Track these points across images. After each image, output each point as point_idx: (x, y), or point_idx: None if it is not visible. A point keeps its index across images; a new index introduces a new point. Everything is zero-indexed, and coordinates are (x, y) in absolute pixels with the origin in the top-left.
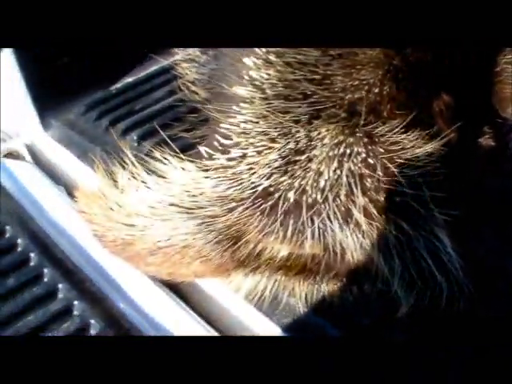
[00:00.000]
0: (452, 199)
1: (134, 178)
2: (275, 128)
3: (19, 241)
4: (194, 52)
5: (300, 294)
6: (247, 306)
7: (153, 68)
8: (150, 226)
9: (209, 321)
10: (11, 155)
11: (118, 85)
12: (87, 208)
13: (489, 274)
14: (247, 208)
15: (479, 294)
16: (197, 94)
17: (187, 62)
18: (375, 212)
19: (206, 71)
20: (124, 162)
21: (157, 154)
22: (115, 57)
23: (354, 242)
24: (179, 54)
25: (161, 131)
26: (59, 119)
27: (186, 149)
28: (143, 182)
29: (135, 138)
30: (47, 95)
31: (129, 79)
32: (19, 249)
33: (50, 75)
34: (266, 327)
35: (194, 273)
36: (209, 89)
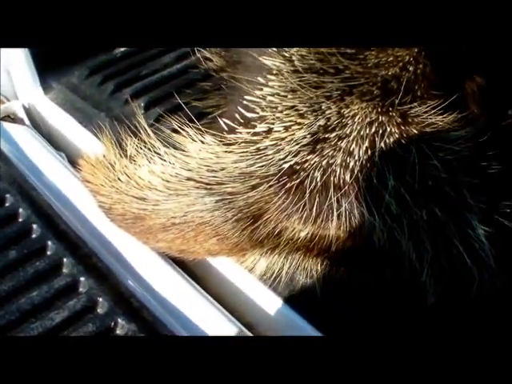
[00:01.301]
0: (487, 186)
1: (146, 148)
2: (305, 103)
3: (20, 210)
4: None
5: (318, 276)
6: (261, 286)
7: None
8: (164, 201)
9: (219, 300)
10: (9, 118)
11: (122, 48)
12: (92, 178)
13: None
14: (271, 186)
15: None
16: (211, 60)
17: None
18: (407, 196)
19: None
20: (135, 129)
21: (173, 124)
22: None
23: (382, 226)
24: None
25: (177, 98)
26: (61, 82)
27: (199, 119)
28: (157, 152)
29: (143, 104)
30: (48, 55)
31: None
32: (20, 219)
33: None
34: (280, 308)
35: (207, 251)
36: (226, 56)
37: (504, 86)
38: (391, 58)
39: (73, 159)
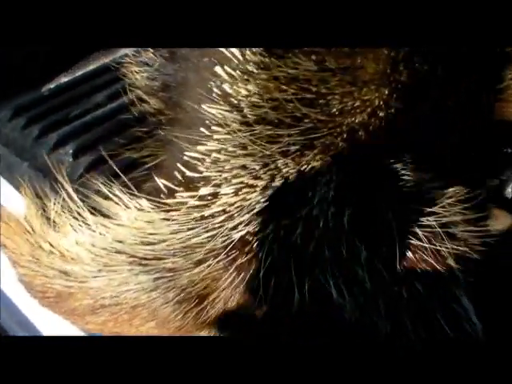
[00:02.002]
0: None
1: (71, 212)
2: (257, 160)
3: None
4: (145, 52)
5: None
6: None
7: (92, 66)
8: (92, 278)
9: None
10: None
11: (51, 85)
12: (11, 243)
13: None
14: (220, 261)
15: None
16: (148, 103)
17: (137, 64)
18: (383, 270)
19: (160, 77)
20: (59, 187)
21: (103, 187)
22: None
23: (353, 306)
24: (126, 53)
25: (109, 146)
26: None
27: (132, 171)
28: (83, 219)
29: (71, 151)
30: None
31: (64, 79)
32: None
33: None
34: None
35: (146, 333)
36: (164, 97)
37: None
38: (358, 103)
39: None
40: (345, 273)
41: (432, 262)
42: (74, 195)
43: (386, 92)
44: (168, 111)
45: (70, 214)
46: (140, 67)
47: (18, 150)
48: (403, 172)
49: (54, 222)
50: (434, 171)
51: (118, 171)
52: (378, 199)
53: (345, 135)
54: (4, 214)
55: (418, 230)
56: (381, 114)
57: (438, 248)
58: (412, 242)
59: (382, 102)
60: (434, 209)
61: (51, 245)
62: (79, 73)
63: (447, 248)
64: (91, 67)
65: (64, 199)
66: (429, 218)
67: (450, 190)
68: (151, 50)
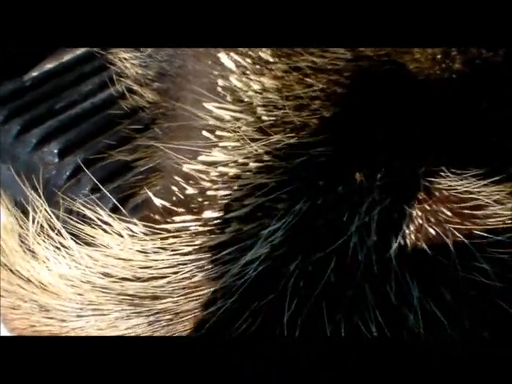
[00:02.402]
0: None
1: (49, 238)
2: (276, 177)
3: None
4: None
5: None
6: None
7: (80, 51)
8: (75, 317)
9: None
10: None
11: (35, 73)
12: None
13: None
14: (233, 303)
15: None
16: (141, 96)
17: (128, 51)
18: (437, 311)
19: (155, 66)
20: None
21: (88, 211)
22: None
23: None
24: None
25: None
26: None
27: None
28: (63, 246)
29: (55, 151)
30: None
31: (48, 65)
32: None
33: None
34: None
35: None
36: (160, 90)
37: None
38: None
39: None
40: (392, 319)
41: (506, 307)
42: (55, 220)
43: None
44: (166, 104)
45: (49, 241)
46: (130, 53)
47: None
48: (466, 189)
49: (31, 248)
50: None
51: (106, 191)
52: (433, 224)
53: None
54: None
55: (485, 266)
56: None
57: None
58: (477, 279)
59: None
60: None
61: (29, 272)
62: (66, 58)
63: None
64: (79, 52)
65: (40, 223)
66: (499, 250)
67: None
68: None
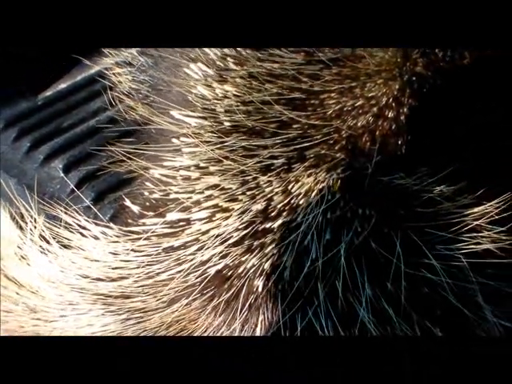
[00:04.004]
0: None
1: (38, 245)
2: (233, 179)
3: None
4: (129, 52)
5: None
6: None
7: (88, 72)
8: (58, 317)
9: None
10: None
11: (48, 92)
12: None
13: None
14: (194, 300)
15: None
16: (134, 109)
17: (121, 65)
18: (390, 310)
19: (146, 79)
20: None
21: (68, 217)
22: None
23: None
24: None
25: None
26: None
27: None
28: (48, 250)
29: (60, 167)
30: None
31: (62, 85)
32: None
33: None
34: None
35: None
36: (150, 104)
37: None
38: (360, 102)
39: None
40: (343, 314)
41: (453, 301)
42: (43, 226)
43: (397, 87)
44: (157, 118)
45: (37, 246)
46: (122, 68)
47: (6, 164)
48: (416, 188)
49: (24, 253)
50: (457, 186)
51: (88, 202)
52: (383, 222)
53: (343, 143)
54: None
55: (434, 262)
56: (390, 115)
57: (462, 284)
58: (426, 276)
59: (391, 100)
60: (457, 234)
61: (22, 278)
62: (79, 78)
63: (474, 284)
64: (92, 71)
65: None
66: (449, 246)
67: (478, 209)
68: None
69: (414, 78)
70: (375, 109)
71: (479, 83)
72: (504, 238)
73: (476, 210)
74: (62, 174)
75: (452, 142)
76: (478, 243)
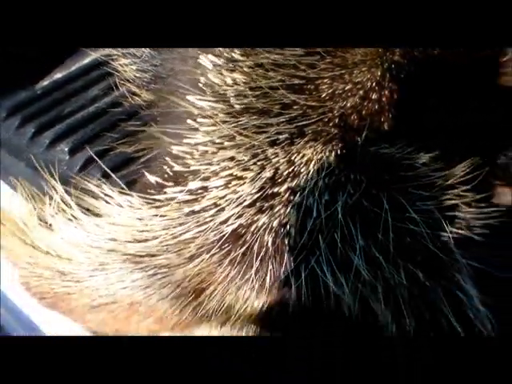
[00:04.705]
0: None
1: (63, 213)
2: (245, 152)
3: None
4: None
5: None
6: None
7: (85, 61)
8: (88, 277)
9: None
10: None
11: (45, 82)
12: (7, 243)
13: None
14: (213, 255)
15: None
16: (138, 96)
17: (125, 56)
18: (381, 257)
19: (149, 68)
20: (51, 188)
21: (95, 188)
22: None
23: (351, 295)
24: None
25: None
26: None
27: (127, 167)
28: (76, 220)
29: (66, 149)
30: None
31: (58, 75)
32: None
33: None
34: None
35: (146, 331)
36: (155, 90)
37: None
38: (349, 86)
39: None
40: (341, 262)
41: (431, 247)
42: (67, 196)
43: (379, 73)
44: (160, 103)
45: (63, 215)
46: (128, 59)
47: (13, 149)
48: (398, 156)
49: (48, 222)
50: (432, 153)
51: (109, 171)
52: (372, 185)
53: (336, 120)
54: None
55: (415, 216)
56: (373, 97)
57: (438, 233)
58: (409, 227)
59: (374, 84)
60: (432, 192)
61: (47, 245)
62: (73, 68)
63: (447, 232)
64: (85, 62)
65: (57, 201)
66: (427, 203)
67: (448, 172)
68: None
69: (392, 66)
70: (361, 92)
71: (447, 68)
72: (469, 194)
73: (447, 172)
74: (68, 157)
75: (425, 118)
76: (449, 199)
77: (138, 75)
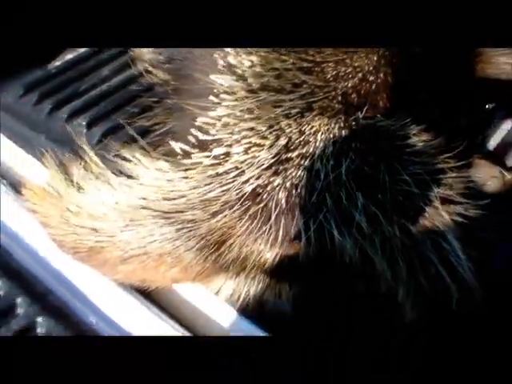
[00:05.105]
0: (461, 197)
1: (95, 175)
2: (263, 123)
3: None
4: None
5: (287, 295)
6: (227, 309)
7: None
8: (120, 232)
9: (187, 327)
10: None
11: (58, 62)
12: (40, 208)
13: (500, 278)
14: (234, 211)
15: (490, 298)
16: (155, 75)
17: None
18: (378, 213)
19: (165, 51)
20: (81, 154)
21: (123, 151)
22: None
23: (353, 246)
24: None
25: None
26: None
27: (144, 137)
28: (107, 180)
29: (84, 123)
30: None
31: (69, 55)
32: None
33: None
34: (249, 331)
35: (170, 280)
36: (170, 70)
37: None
38: (350, 69)
39: (15, 185)
40: (344, 217)
41: (421, 204)
42: (97, 158)
43: (375, 58)
44: (174, 82)
45: (94, 176)
46: None
47: (32, 124)
48: (393, 128)
49: (78, 185)
50: (421, 126)
51: (136, 135)
52: (370, 152)
53: (339, 98)
54: (30, 184)
55: (407, 178)
56: (371, 78)
57: (426, 192)
58: (403, 188)
59: (371, 68)
60: (422, 158)
61: (78, 206)
62: (83, 49)
63: (434, 192)
64: None
65: (87, 163)
66: (416, 167)
67: (435, 141)
68: None
69: (386, 53)
70: (360, 74)
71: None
72: (451, 161)
73: (434, 142)
74: (85, 130)
75: (414, 95)
76: (436, 163)
77: (153, 56)
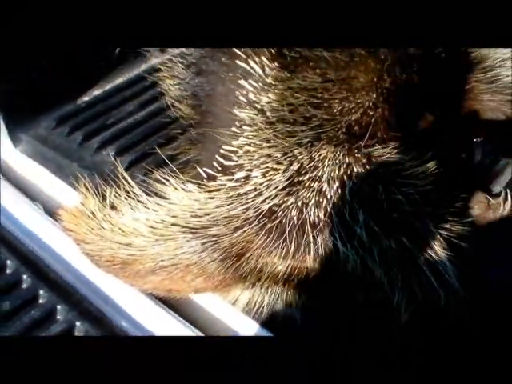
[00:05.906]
0: (446, 214)
1: (128, 196)
2: (279, 150)
3: (8, 262)
4: (177, 68)
5: (297, 304)
6: (243, 318)
7: (119, 80)
8: (151, 246)
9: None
10: None
11: (86, 98)
12: (75, 226)
13: (485, 283)
14: (252, 227)
15: (476, 303)
16: (180, 109)
17: (170, 77)
18: (376, 228)
19: (189, 87)
20: (113, 178)
21: (155, 174)
22: (80, 69)
23: (355, 257)
24: (161, 69)
25: (146, 145)
26: (29, 134)
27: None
28: (140, 201)
29: (112, 153)
30: (15, 109)
31: (96, 92)
32: (8, 271)
33: (18, 89)
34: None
35: (194, 289)
36: (193, 105)
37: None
38: (353, 105)
39: (48, 209)
40: (347, 231)
41: (412, 220)
42: (130, 180)
43: (374, 96)
44: (196, 116)
45: (127, 196)
46: (173, 80)
47: (65, 153)
48: (389, 154)
49: (112, 205)
50: (413, 153)
51: (167, 160)
52: (370, 176)
53: (344, 129)
54: (66, 206)
55: (401, 197)
56: (370, 113)
57: (417, 210)
58: (397, 206)
59: (371, 104)
60: (413, 181)
61: (112, 224)
62: (108, 86)
63: (424, 210)
64: (118, 81)
65: (120, 185)
66: (408, 188)
67: (425, 166)
68: (182, 66)
69: (384, 91)
70: (362, 109)
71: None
72: (440, 183)
73: (424, 166)
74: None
75: (408, 126)
76: (425, 185)
77: (179, 93)
